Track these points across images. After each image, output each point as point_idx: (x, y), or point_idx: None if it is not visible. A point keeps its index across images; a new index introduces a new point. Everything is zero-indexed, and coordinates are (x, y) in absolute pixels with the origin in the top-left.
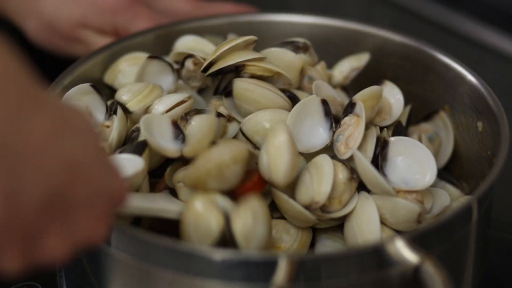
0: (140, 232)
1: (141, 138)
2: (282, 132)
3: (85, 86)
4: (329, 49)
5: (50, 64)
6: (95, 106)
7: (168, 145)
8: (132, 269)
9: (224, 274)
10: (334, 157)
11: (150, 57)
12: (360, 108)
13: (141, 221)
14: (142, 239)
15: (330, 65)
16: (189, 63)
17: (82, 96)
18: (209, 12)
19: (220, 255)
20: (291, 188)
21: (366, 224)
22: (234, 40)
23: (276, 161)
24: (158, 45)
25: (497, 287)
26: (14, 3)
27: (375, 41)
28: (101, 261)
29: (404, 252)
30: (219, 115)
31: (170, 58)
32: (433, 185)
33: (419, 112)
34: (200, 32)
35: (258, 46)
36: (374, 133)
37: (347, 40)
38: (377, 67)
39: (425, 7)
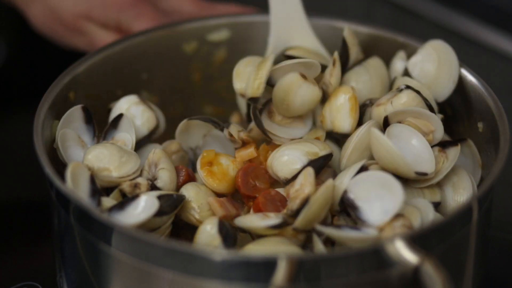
0: (140, 232)
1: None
2: None
3: (77, 110)
4: (329, 49)
5: (51, 63)
6: (84, 131)
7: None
8: (132, 269)
9: (224, 274)
10: None
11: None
12: None
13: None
14: (142, 239)
15: None
16: (225, 132)
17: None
18: (212, 12)
19: (220, 255)
20: None
21: None
22: None
23: None
24: (159, 45)
25: (497, 287)
26: None
27: (375, 41)
28: (101, 261)
29: (404, 252)
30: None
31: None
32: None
33: None
34: (201, 32)
35: (258, 46)
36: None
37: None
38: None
39: (425, 7)
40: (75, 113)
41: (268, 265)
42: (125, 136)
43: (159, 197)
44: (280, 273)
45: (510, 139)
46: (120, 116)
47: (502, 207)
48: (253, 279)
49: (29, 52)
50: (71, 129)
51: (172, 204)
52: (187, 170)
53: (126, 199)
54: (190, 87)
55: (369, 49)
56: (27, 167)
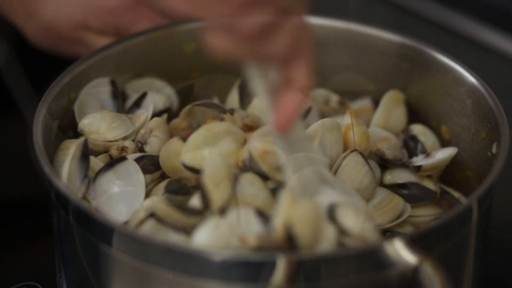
0: (140, 232)
1: None
2: None
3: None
4: (329, 50)
5: (51, 64)
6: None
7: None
8: (131, 270)
9: (223, 274)
10: None
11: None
12: None
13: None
14: (142, 239)
15: (329, 65)
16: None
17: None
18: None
19: (219, 255)
20: None
21: None
22: None
23: None
24: (159, 45)
25: (497, 287)
26: (14, 6)
27: (375, 42)
28: (101, 261)
29: (403, 253)
30: None
31: None
32: None
33: (419, 114)
34: (199, 33)
35: None
36: None
37: (346, 41)
38: (376, 68)
39: (425, 7)
40: (102, 85)
41: (267, 266)
42: (141, 111)
43: (143, 157)
44: (279, 274)
45: (510, 139)
46: (144, 94)
47: (502, 207)
48: (253, 279)
49: (29, 52)
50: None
51: (155, 164)
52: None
53: (113, 161)
54: (190, 87)
55: (369, 49)
56: (27, 167)
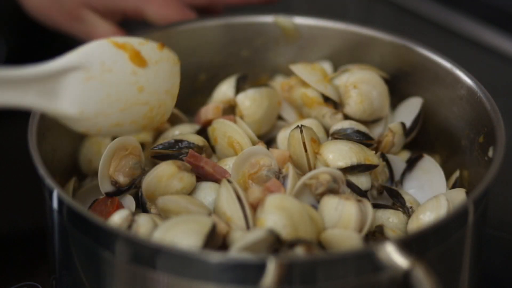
0: (136, 235)
1: None
2: None
3: None
4: (328, 50)
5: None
6: None
7: None
8: (127, 272)
9: (219, 276)
10: None
11: None
12: None
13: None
14: (138, 242)
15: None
16: None
17: None
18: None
19: (215, 258)
20: None
21: None
22: None
23: None
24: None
25: (497, 287)
26: None
27: (374, 43)
28: (97, 264)
29: (394, 256)
30: None
31: None
32: None
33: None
34: (199, 33)
35: (258, 46)
36: None
37: (346, 42)
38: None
39: (425, 7)
40: None
41: (263, 268)
42: None
43: None
44: (272, 276)
45: (506, 142)
46: None
47: (502, 207)
48: (250, 281)
49: (28, 50)
50: None
51: None
52: None
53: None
54: (193, 86)
55: (368, 51)
56: (28, 167)
